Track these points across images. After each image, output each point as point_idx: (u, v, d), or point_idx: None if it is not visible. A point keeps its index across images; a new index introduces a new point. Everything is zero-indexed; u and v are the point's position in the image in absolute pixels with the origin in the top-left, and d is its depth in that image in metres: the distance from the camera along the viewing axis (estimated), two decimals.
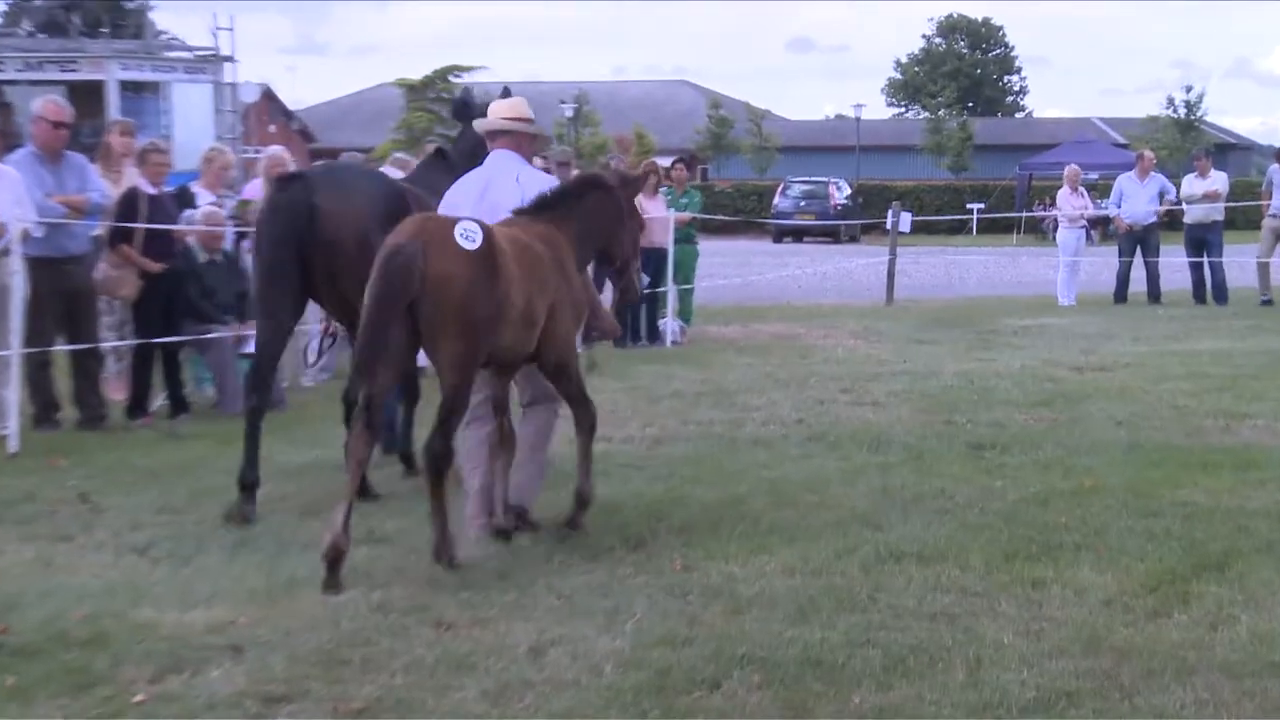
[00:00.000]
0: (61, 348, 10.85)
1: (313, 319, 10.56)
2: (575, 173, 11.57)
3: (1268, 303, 19.93)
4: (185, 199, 12.29)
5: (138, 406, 11.22)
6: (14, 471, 9.10)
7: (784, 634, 5.67)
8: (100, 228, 11.22)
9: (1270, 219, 20.18)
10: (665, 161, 18.90)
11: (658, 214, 16.05)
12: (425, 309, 6.44)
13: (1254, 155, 67.02)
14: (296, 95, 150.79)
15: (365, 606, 6.08)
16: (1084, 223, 23.11)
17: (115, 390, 11.68)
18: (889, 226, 24.20)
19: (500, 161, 7.67)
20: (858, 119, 65.77)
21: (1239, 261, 21.39)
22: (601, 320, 8.19)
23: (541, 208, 7.24)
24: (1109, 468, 8.86)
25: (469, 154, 8.82)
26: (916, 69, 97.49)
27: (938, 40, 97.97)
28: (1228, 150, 62.79)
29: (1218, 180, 21.22)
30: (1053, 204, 27.47)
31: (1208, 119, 61.56)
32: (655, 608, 6.05)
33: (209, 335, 11.42)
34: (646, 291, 14.23)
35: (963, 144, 62.70)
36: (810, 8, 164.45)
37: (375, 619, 5.92)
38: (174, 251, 11.52)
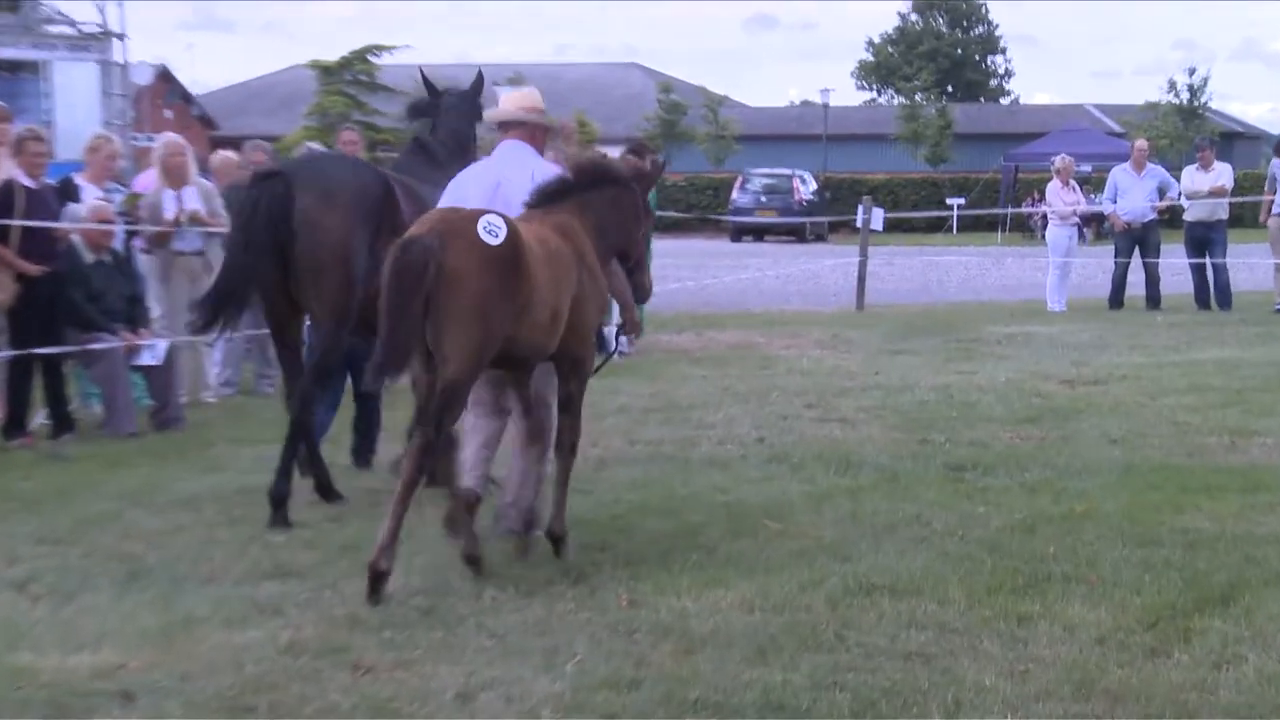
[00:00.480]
0: None
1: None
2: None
3: None
4: (68, 192, 12.20)
5: (15, 425, 11.13)
6: None
7: (741, 676, 5.68)
8: None
9: (1275, 218, 20.30)
10: (612, 152, 18.90)
11: None
12: (437, 302, 6.66)
13: (1263, 145, 67.55)
14: (197, 77, 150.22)
15: (273, 647, 6.05)
16: (1076, 220, 23.21)
17: None
18: (859, 224, 24.28)
19: (513, 154, 8.03)
20: (825, 105, 66.02)
21: (1246, 263, 21.58)
22: (629, 314, 8.47)
23: (553, 198, 7.54)
24: (1103, 491, 8.93)
25: (451, 143, 9.50)
26: (890, 50, 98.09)
27: (914, 18, 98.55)
28: (1234, 139, 63.44)
29: (1222, 173, 21.33)
30: (1041, 199, 27.72)
31: (1212, 105, 62.25)
32: (598, 647, 6.05)
33: (96, 346, 11.35)
34: None
35: (941, 133, 63.07)
36: None
37: (284, 661, 5.90)
38: (55, 252, 11.43)
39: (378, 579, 6.72)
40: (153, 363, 11.70)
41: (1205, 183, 21.16)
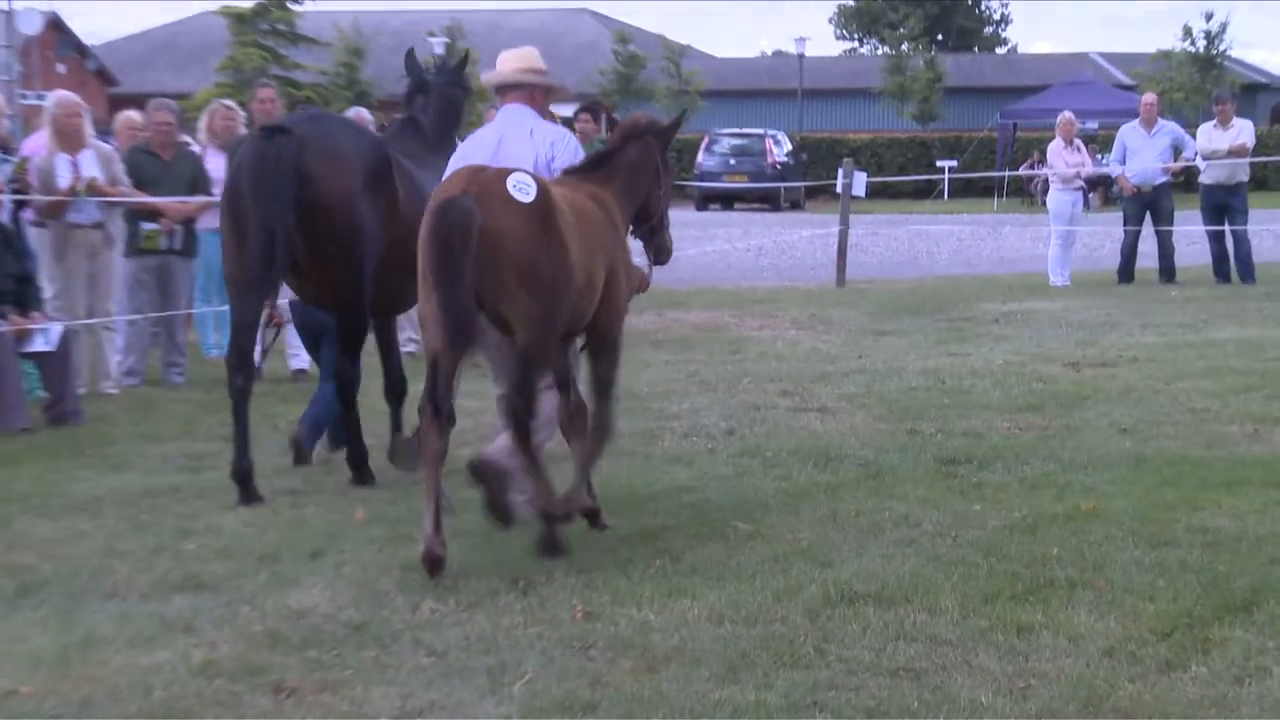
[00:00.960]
0: None
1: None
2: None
3: None
4: None
5: None
6: None
7: (710, 696, 5.70)
8: None
9: None
10: (564, 110, 18.83)
11: None
12: (486, 268, 7.09)
13: None
14: (93, 27, 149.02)
15: (185, 669, 6.04)
16: (1080, 184, 23.30)
17: None
18: (839, 190, 24.35)
19: (513, 116, 8.60)
20: (800, 56, 66.10)
21: (1271, 230, 21.58)
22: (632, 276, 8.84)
23: (587, 167, 8.20)
24: (1111, 487, 8.98)
25: (440, 124, 10.32)
26: None
27: None
28: (1256, 91, 63.91)
29: (1243, 130, 21.39)
30: (1042, 161, 27.77)
31: (1232, 54, 62.49)
32: (550, 665, 6.06)
33: None
34: None
35: (930, 87, 63.24)
36: None
37: (197, 684, 5.88)
38: None
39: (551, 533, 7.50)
40: (46, 349, 11.64)
41: (1224, 141, 21.15)
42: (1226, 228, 21.02)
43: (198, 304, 14.35)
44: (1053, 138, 23.12)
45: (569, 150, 8.46)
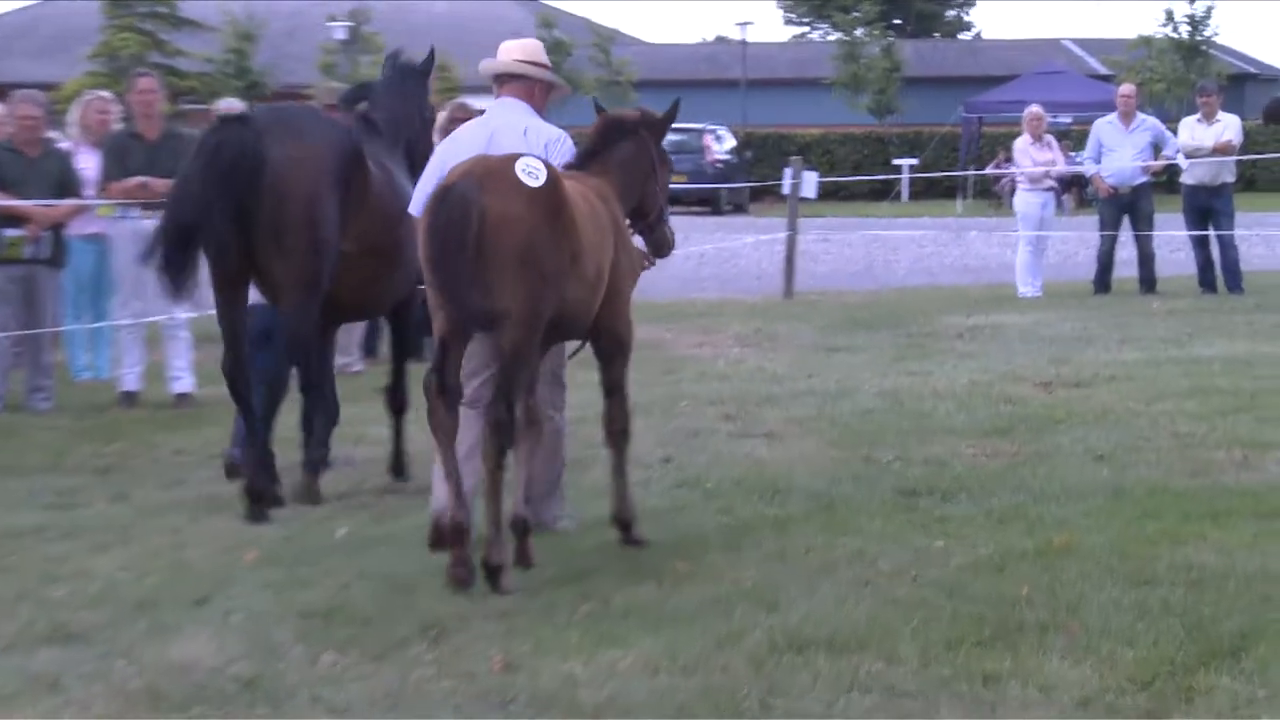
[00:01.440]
0: None
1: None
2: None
3: None
4: None
5: None
6: None
7: None
8: None
9: None
10: (479, 103, 18.81)
11: None
12: (484, 252, 7.43)
13: (1278, 88, 68.56)
14: None
15: None
16: (1051, 184, 23.35)
17: None
18: (787, 191, 24.41)
19: (506, 111, 8.92)
20: (743, 43, 66.38)
21: (1261, 236, 21.67)
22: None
23: (580, 163, 8.57)
24: (1087, 520, 9.02)
25: (391, 128, 10.49)
26: None
27: None
28: (1244, 82, 64.49)
29: (1229, 126, 21.46)
30: (1009, 159, 27.88)
31: (1218, 40, 62.95)
32: None
33: None
34: None
35: (888, 77, 63.51)
36: None
37: None
38: None
39: (494, 573, 7.67)
40: None
41: (1208, 137, 21.25)
42: (1211, 233, 21.08)
43: (67, 320, 14.25)
44: (1021, 133, 23.13)
45: (565, 154, 8.64)
